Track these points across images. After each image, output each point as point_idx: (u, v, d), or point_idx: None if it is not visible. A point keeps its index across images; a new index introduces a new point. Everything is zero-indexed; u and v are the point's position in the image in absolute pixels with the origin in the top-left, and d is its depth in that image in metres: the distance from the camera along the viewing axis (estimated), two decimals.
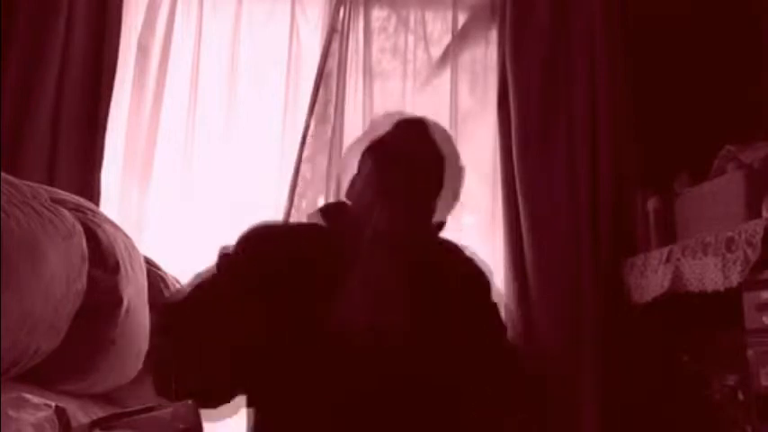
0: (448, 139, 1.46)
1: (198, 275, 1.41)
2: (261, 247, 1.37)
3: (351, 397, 1.24)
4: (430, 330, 1.28)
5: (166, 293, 1.83)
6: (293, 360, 1.26)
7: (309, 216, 1.51)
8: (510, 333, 2.25)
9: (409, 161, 1.39)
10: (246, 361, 1.25)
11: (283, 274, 1.29)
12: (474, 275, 1.47)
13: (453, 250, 1.49)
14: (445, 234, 1.51)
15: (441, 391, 1.30)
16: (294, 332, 1.25)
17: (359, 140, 1.48)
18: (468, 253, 1.52)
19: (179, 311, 1.34)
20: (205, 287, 1.33)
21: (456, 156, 1.45)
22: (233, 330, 1.23)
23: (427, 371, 1.27)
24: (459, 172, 1.45)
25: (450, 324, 1.31)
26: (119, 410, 1.48)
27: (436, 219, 1.43)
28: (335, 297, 1.26)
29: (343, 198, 1.47)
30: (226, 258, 1.38)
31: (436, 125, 1.48)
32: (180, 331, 1.28)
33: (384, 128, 1.43)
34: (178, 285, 2.02)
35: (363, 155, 1.42)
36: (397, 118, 1.46)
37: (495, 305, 1.47)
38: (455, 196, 1.45)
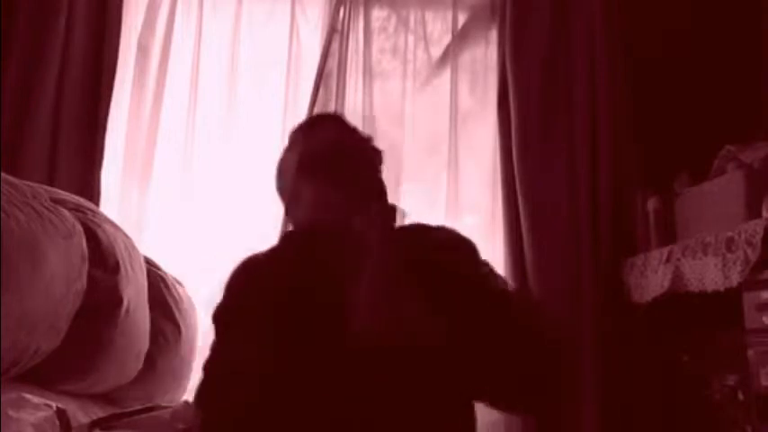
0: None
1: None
2: (247, 286, 1.37)
3: (360, 402, 1.23)
4: (441, 321, 1.25)
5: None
6: (300, 374, 1.24)
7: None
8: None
9: (335, 159, 1.36)
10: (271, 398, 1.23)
11: (282, 301, 1.28)
12: (457, 246, 1.44)
13: (424, 230, 1.46)
14: None
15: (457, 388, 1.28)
16: (303, 352, 1.23)
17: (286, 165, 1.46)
18: (435, 227, 1.49)
19: (204, 398, 1.32)
20: (214, 359, 1.33)
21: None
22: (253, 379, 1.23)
23: (445, 367, 1.24)
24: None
25: (455, 307, 1.26)
26: (119, 410, 1.48)
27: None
28: (341, 304, 1.23)
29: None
30: (218, 316, 1.37)
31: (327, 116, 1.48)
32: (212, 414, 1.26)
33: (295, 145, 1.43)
34: (179, 286, 2.03)
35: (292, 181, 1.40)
36: (293, 131, 1.46)
37: (486, 265, 1.44)
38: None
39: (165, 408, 1.53)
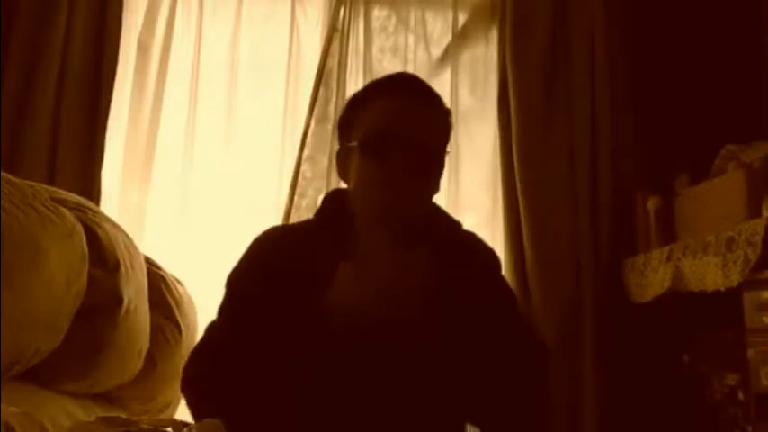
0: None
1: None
2: (265, 258, 1.34)
3: (364, 404, 1.23)
4: (447, 332, 1.24)
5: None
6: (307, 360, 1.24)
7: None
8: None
9: (406, 143, 1.28)
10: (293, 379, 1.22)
11: (288, 278, 1.27)
12: (493, 266, 1.42)
13: (469, 241, 1.43)
14: None
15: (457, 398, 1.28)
16: (307, 331, 1.24)
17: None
18: (476, 239, 1.46)
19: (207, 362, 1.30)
20: (221, 329, 1.31)
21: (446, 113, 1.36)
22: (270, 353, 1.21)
23: (444, 376, 1.24)
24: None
25: (468, 323, 1.25)
26: (124, 415, 1.47)
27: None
28: (342, 291, 1.24)
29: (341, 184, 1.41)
30: (233, 283, 1.35)
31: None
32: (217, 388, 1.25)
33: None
34: (179, 286, 2.03)
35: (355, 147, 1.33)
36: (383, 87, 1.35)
37: (503, 280, 1.44)
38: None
39: (192, 426, 1.50)
